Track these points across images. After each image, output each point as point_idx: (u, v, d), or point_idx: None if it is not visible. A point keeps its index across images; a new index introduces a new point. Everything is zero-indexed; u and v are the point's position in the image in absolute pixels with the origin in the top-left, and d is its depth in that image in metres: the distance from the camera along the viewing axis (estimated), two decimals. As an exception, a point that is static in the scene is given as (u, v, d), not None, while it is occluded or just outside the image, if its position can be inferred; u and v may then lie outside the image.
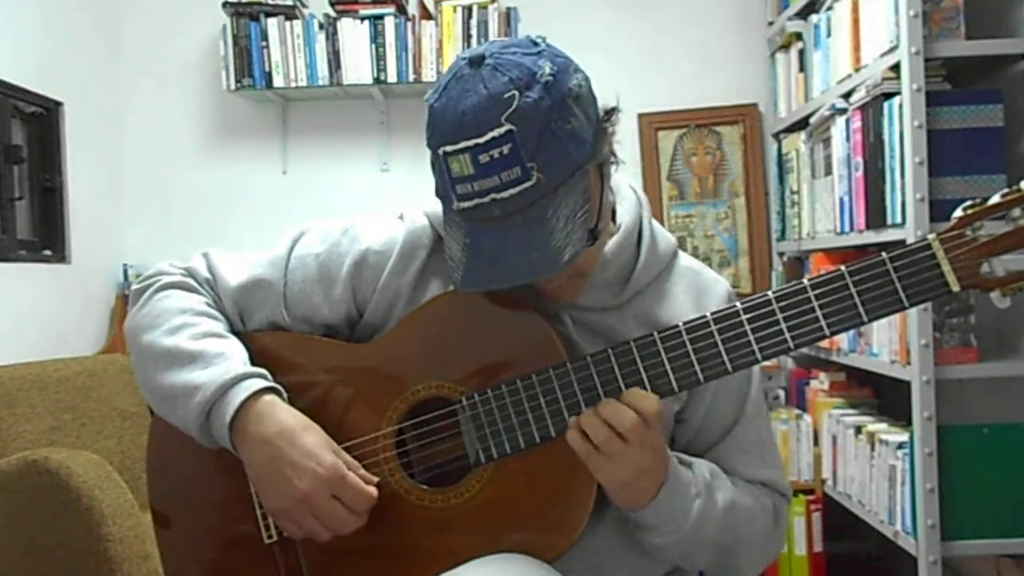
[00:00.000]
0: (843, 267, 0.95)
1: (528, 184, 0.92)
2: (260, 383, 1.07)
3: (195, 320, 1.13)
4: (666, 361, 0.99)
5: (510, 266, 0.95)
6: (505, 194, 0.93)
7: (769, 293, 0.97)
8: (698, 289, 1.14)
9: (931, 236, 0.95)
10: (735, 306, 0.98)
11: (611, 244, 1.10)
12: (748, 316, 0.97)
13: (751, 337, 0.97)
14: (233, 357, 1.09)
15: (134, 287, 1.22)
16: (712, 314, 0.98)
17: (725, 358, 0.98)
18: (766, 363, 1.13)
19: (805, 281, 0.96)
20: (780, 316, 0.96)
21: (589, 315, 1.10)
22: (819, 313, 0.95)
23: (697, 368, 0.99)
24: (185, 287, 1.18)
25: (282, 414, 1.06)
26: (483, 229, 0.96)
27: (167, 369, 1.10)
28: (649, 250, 1.11)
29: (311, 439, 1.04)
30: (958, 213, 0.96)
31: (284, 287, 1.16)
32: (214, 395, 1.05)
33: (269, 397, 1.07)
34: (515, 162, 0.92)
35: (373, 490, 1.04)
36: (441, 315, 1.08)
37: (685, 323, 0.99)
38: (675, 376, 0.99)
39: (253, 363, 1.11)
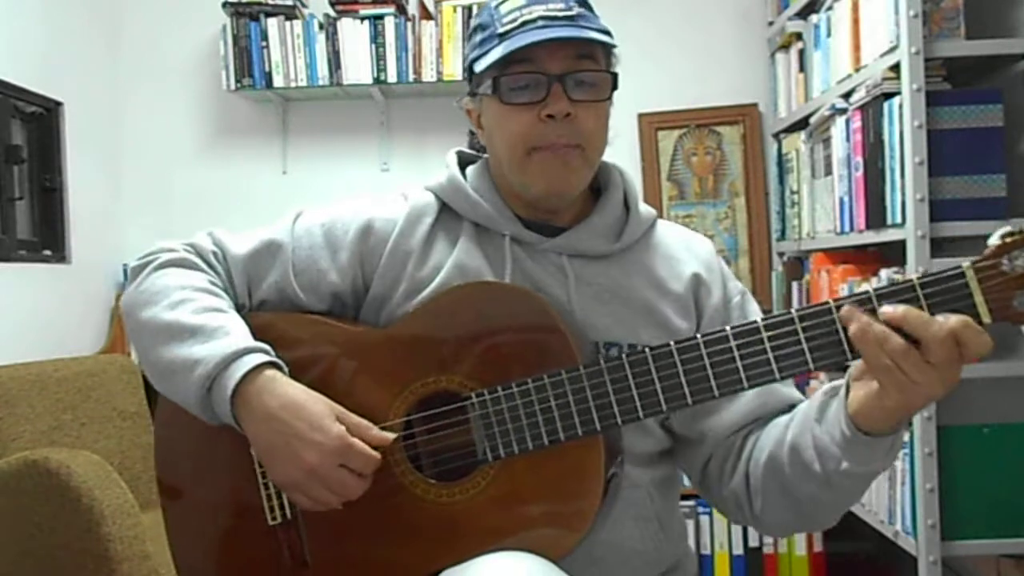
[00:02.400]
0: (871, 290, 0.93)
1: (571, 12, 1.09)
2: (262, 357, 1.06)
3: (195, 295, 1.13)
4: (681, 373, 0.98)
5: (555, 33, 1.07)
6: (554, 12, 1.08)
7: (793, 311, 0.95)
8: (687, 241, 1.23)
9: (965, 264, 0.91)
10: (755, 322, 0.97)
11: (603, 197, 1.21)
12: (769, 334, 0.96)
13: (770, 355, 0.96)
14: (234, 331, 1.08)
15: (132, 264, 1.22)
16: (731, 328, 0.97)
17: (742, 375, 0.97)
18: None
19: (831, 302, 0.94)
20: (802, 336, 0.95)
21: (590, 267, 1.15)
22: (841, 336, 0.93)
23: (713, 382, 0.98)
24: (186, 264, 1.18)
25: (284, 387, 1.05)
26: (526, 33, 1.08)
27: (167, 343, 1.09)
28: (635, 206, 1.21)
29: (315, 410, 1.04)
30: (995, 241, 0.91)
31: (292, 252, 1.17)
32: (215, 369, 1.05)
33: (271, 371, 1.06)
34: (563, 0, 1.10)
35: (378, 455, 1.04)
36: (455, 309, 1.08)
37: (703, 335, 0.98)
38: (689, 389, 0.98)
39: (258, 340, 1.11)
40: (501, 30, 1.09)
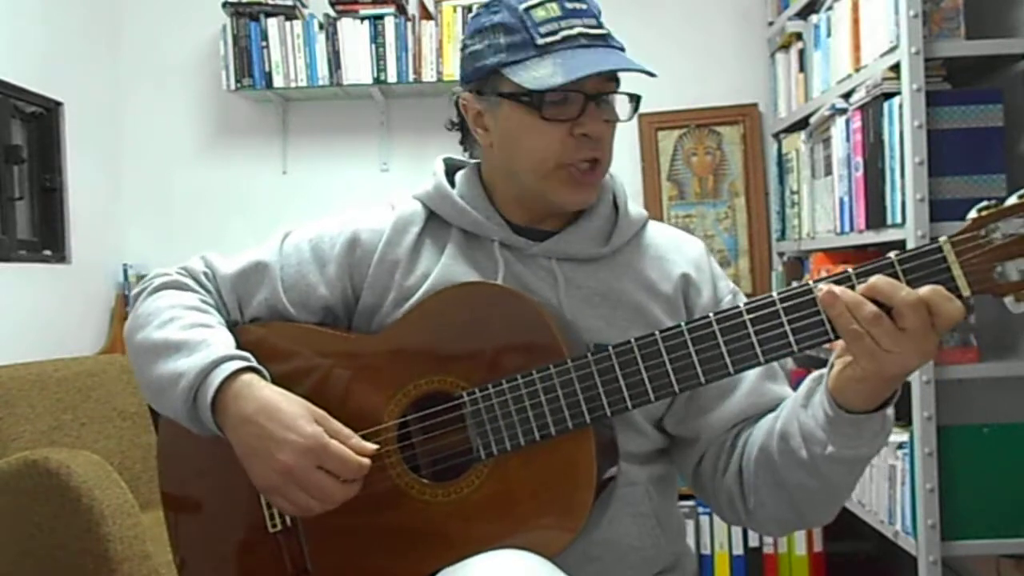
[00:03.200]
0: (850, 268, 0.93)
1: (603, 31, 1.12)
2: (239, 364, 1.07)
3: (183, 313, 1.15)
4: (667, 361, 0.99)
5: (610, 60, 1.10)
6: (590, 29, 1.11)
7: (773, 294, 0.96)
8: (677, 242, 1.24)
9: (942, 239, 0.91)
10: (738, 307, 0.97)
11: (595, 201, 1.20)
12: (752, 317, 0.96)
13: (754, 339, 0.96)
14: (215, 343, 1.10)
15: (133, 292, 1.25)
16: (715, 314, 0.98)
17: (727, 359, 0.97)
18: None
19: (811, 282, 0.95)
20: (784, 319, 0.95)
21: (579, 270, 1.15)
22: (824, 316, 0.93)
23: (699, 369, 0.98)
24: (178, 286, 1.20)
25: (260, 391, 1.06)
26: (572, 52, 1.09)
27: (155, 361, 1.11)
28: (624, 208, 1.22)
29: (290, 411, 1.04)
30: (972, 214, 0.91)
31: (280, 270, 1.19)
32: (196, 380, 1.06)
33: (247, 376, 1.07)
34: (591, 14, 1.12)
35: (364, 460, 1.03)
36: (444, 310, 1.09)
37: (687, 323, 0.99)
38: (676, 377, 0.99)
39: (252, 353, 1.11)
40: (541, 42, 1.09)
